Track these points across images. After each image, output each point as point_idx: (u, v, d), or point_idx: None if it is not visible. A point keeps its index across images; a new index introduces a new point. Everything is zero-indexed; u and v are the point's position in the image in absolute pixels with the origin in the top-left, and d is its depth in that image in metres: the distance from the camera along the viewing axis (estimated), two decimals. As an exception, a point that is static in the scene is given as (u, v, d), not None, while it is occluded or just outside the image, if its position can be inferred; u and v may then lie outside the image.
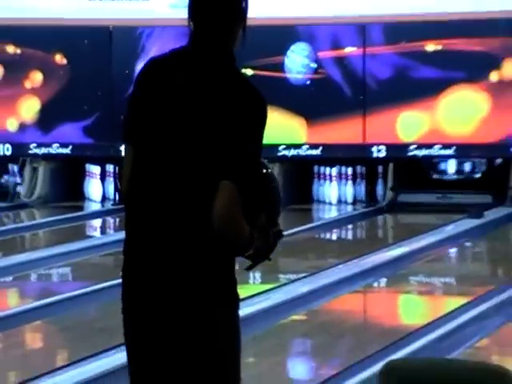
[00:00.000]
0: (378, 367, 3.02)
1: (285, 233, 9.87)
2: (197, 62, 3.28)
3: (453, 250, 11.09)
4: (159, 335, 3.21)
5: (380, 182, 13.45)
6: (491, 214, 12.23)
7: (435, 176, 13.51)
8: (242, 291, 6.56)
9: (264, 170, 3.33)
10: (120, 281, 3.40)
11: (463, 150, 13.02)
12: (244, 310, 6.62)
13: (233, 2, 3.29)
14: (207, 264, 3.21)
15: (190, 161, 3.21)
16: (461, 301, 8.08)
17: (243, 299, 6.81)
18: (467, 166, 13.46)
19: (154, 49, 13.29)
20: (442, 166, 13.49)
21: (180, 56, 3.31)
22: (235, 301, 3.23)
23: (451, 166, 13.38)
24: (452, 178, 13.53)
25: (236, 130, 3.19)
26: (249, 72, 13.00)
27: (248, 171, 3.18)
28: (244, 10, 3.28)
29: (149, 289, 3.22)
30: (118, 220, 12.89)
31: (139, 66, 12.58)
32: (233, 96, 3.20)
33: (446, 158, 13.32)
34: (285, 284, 8.70)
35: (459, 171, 13.45)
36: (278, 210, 3.28)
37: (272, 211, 3.25)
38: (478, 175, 13.49)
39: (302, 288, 8.22)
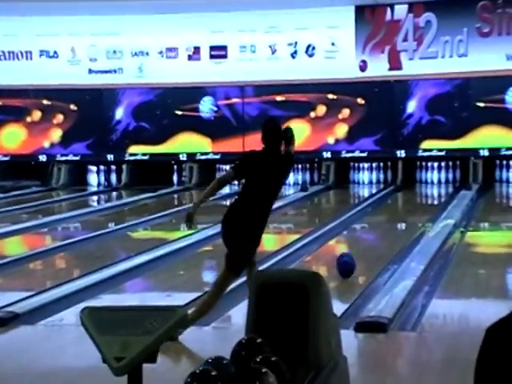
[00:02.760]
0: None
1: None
2: (275, 156, 4.50)
3: (294, 208, 11.32)
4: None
5: None
6: (311, 189, 12.96)
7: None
8: (179, 233, 7.66)
9: None
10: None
11: (296, 155, 13.81)
12: (177, 245, 7.64)
13: (278, 137, 4.52)
14: (250, 222, 4.52)
15: (276, 181, 4.56)
16: (296, 236, 8.36)
17: (179, 238, 7.83)
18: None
19: (125, 101, 14.17)
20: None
21: (264, 153, 4.53)
22: None
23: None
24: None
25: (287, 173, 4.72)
26: (179, 112, 13.91)
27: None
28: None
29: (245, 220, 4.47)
30: (104, 196, 13.68)
31: (118, 110, 13.91)
32: (283, 164, 4.60)
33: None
34: (200, 230, 8.62)
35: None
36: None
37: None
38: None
39: (210, 232, 8.32)
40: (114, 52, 14.12)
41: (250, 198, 4.47)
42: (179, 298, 5.51)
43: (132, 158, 14.22)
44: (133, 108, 14.18)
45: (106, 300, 5.61)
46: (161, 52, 14.12)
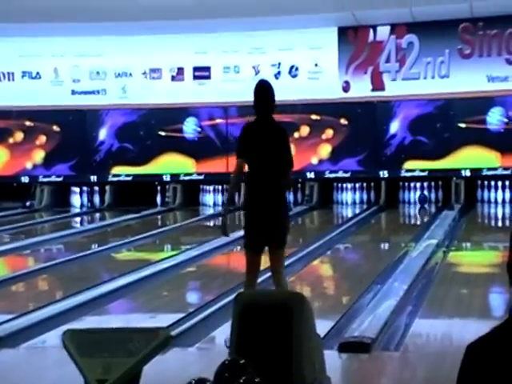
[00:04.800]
0: (234, 295, 3.07)
1: (182, 224, 10.94)
2: (267, 124, 4.69)
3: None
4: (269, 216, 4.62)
5: (236, 193, 13.22)
6: (295, 209, 12.75)
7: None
8: (163, 254, 7.67)
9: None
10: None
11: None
12: (161, 266, 7.60)
13: (273, 100, 4.72)
14: (282, 197, 4.73)
15: (275, 160, 4.65)
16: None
17: (163, 259, 7.82)
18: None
19: (109, 121, 14.13)
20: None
21: (257, 123, 4.75)
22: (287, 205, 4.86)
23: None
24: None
25: (287, 147, 4.75)
26: (162, 133, 13.92)
27: (292, 161, 4.75)
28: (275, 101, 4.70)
29: (265, 206, 4.60)
30: (87, 217, 13.61)
31: (101, 131, 13.93)
32: (283, 134, 4.76)
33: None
34: (184, 250, 8.88)
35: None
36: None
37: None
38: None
39: (194, 252, 8.59)
40: (98, 73, 14.09)
41: (253, 173, 4.61)
42: (163, 320, 5.50)
43: (115, 178, 14.21)
44: (116, 129, 14.19)
45: (89, 322, 5.56)
46: (144, 73, 14.17)
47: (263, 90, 4.77)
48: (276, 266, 4.78)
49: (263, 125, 4.71)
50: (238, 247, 9.28)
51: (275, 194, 4.68)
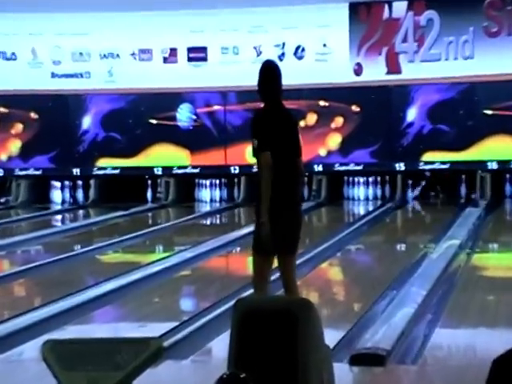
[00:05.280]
0: (233, 301, 3.04)
1: (176, 222, 10.79)
2: (279, 111, 4.70)
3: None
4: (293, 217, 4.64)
5: (236, 188, 13.92)
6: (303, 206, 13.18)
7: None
8: (154, 256, 7.91)
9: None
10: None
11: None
12: (153, 269, 7.63)
13: (281, 84, 4.71)
14: (300, 195, 4.86)
15: (294, 151, 4.72)
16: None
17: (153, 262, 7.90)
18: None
19: (93, 108, 14.18)
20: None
21: (269, 110, 4.71)
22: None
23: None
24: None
25: (298, 135, 4.85)
26: (154, 121, 13.96)
27: (301, 150, 4.80)
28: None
29: (292, 200, 4.63)
30: (70, 215, 13.61)
31: (85, 119, 13.98)
32: (295, 121, 4.93)
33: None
34: (177, 252, 8.96)
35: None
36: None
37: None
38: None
39: (188, 254, 8.63)
40: (81, 54, 14.14)
41: (277, 165, 4.56)
42: (154, 329, 5.55)
43: (101, 172, 14.28)
44: (102, 116, 14.26)
45: (71, 331, 5.60)
46: (133, 54, 14.24)
47: (270, 71, 4.72)
48: (286, 273, 4.78)
49: (276, 112, 4.68)
50: (238, 248, 9.49)
51: (296, 191, 4.70)
